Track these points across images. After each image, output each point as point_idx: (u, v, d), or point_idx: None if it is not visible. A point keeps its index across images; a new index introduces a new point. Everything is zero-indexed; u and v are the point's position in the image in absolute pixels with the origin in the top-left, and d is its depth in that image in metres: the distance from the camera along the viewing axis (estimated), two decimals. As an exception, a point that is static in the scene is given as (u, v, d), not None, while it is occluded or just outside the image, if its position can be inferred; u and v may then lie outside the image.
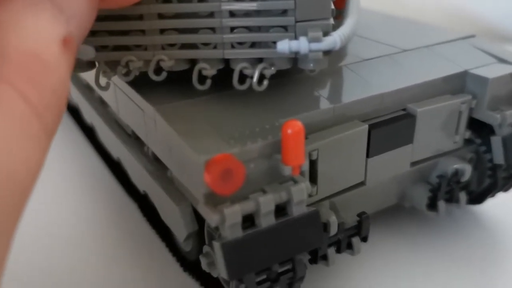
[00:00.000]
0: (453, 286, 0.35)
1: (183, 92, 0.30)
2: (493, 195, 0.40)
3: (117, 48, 0.27)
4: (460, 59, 0.37)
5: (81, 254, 0.39)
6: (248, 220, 0.26)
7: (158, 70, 0.28)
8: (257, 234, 0.26)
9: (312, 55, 0.26)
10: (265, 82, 0.27)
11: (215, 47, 0.27)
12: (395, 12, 0.50)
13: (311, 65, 0.27)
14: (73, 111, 0.61)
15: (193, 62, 0.28)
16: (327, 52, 0.26)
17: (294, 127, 0.25)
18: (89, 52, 0.26)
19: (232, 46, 0.27)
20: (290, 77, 0.33)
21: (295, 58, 0.27)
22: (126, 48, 0.27)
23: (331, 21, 0.26)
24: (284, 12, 0.26)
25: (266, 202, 0.26)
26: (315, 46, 0.25)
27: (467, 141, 0.37)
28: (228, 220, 0.25)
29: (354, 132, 0.31)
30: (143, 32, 0.27)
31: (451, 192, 0.36)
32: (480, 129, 0.36)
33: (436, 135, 0.35)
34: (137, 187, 0.37)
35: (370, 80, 0.33)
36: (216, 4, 0.26)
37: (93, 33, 0.27)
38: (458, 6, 0.89)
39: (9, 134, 0.16)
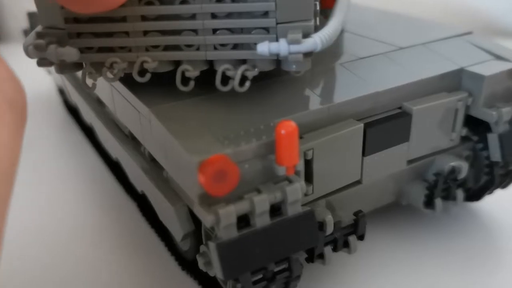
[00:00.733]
0: (451, 284, 0.35)
1: (178, 93, 0.30)
2: (490, 192, 0.40)
3: (102, 49, 0.28)
4: (456, 56, 0.37)
5: (80, 253, 0.40)
6: (243, 220, 0.26)
7: (142, 71, 0.28)
8: (252, 234, 0.26)
9: (292, 57, 0.25)
10: (247, 84, 0.27)
11: (198, 49, 0.27)
12: (392, 6, 0.50)
13: (294, 66, 0.26)
14: (73, 111, 0.61)
15: (177, 63, 0.28)
16: (308, 54, 0.26)
17: (287, 127, 0.25)
18: (73, 55, 0.26)
19: (215, 48, 0.27)
20: (284, 76, 0.33)
21: (278, 60, 0.27)
22: (110, 49, 0.28)
23: (312, 22, 0.26)
24: (265, 14, 0.26)
25: (261, 202, 0.26)
26: (294, 48, 0.25)
27: (464, 139, 0.37)
28: (223, 221, 0.25)
29: (349, 131, 0.31)
30: (127, 33, 0.27)
31: (448, 190, 0.36)
32: (476, 126, 0.36)
33: (432, 133, 0.35)
34: (135, 187, 0.37)
35: (365, 78, 0.33)
36: (197, 6, 0.26)
37: (78, 34, 0.27)
38: (456, 1, 0.88)
39: None
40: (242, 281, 0.27)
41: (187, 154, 0.25)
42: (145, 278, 0.37)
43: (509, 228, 0.40)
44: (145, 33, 0.27)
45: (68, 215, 0.45)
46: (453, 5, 0.88)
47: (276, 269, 0.28)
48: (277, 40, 0.26)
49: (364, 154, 0.32)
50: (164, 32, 0.27)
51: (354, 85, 0.32)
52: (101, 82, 0.36)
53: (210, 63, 0.28)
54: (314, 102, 0.31)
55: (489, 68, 0.35)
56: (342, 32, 0.42)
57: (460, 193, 0.37)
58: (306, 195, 0.30)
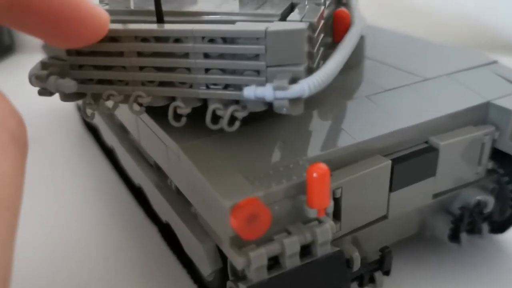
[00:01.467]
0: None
1: (206, 128, 0.30)
2: (515, 224, 0.39)
3: (102, 82, 0.28)
4: (482, 88, 0.36)
5: (99, 275, 0.40)
6: (273, 259, 0.26)
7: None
8: (282, 276, 0.26)
9: (279, 102, 0.25)
10: (237, 124, 0.27)
11: (191, 86, 0.27)
12: (415, 23, 0.50)
13: (284, 110, 0.25)
14: (92, 129, 0.62)
15: (172, 99, 0.28)
16: (296, 99, 0.25)
17: (319, 170, 0.25)
18: (71, 86, 0.27)
19: (207, 87, 0.27)
20: (312, 110, 0.33)
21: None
22: (110, 82, 0.28)
23: (303, 67, 0.25)
24: (256, 57, 0.26)
25: (291, 244, 0.26)
26: (280, 94, 0.25)
27: (489, 171, 0.37)
28: (254, 263, 0.25)
29: (377, 168, 0.30)
30: (124, 68, 0.28)
31: (473, 223, 0.36)
32: (502, 159, 0.36)
33: (458, 167, 0.34)
34: (159, 216, 0.37)
35: (392, 113, 0.33)
36: (190, 46, 0.26)
37: (80, 66, 0.28)
38: (478, 19, 0.88)
39: None
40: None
41: (219, 197, 0.25)
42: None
43: (533, 259, 0.40)
44: (141, 68, 0.28)
45: (86, 234, 0.45)
46: (475, 22, 0.88)
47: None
48: (266, 82, 0.26)
49: (391, 189, 0.32)
50: (159, 69, 0.28)
51: (381, 120, 0.32)
52: (126, 110, 0.36)
53: (204, 101, 0.28)
54: (342, 138, 0.31)
55: (516, 101, 0.35)
56: (364, 59, 0.42)
57: (485, 227, 0.37)
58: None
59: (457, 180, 0.35)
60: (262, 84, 0.26)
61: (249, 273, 0.26)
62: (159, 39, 0.27)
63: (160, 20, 0.28)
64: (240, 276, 0.29)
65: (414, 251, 0.40)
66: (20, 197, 0.19)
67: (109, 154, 0.56)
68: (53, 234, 0.45)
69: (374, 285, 0.33)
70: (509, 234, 0.42)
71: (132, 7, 0.31)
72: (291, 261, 0.26)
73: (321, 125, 0.32)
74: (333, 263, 0.28)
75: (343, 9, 0.34)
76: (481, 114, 0.35)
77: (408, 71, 0.39)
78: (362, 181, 0.30)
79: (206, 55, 0.27)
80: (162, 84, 0.28)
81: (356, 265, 0.30)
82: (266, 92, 0.25)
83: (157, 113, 0.32)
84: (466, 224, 0.36)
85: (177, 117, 0.28)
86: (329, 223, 0.27)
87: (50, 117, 0.70)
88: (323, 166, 0.25)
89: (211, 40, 0.26)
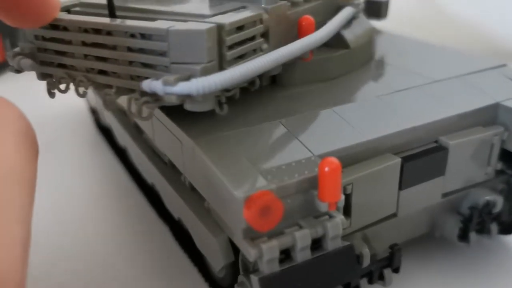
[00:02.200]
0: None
1: (221, 124, 0.31)
2: (524, 225, 0.40)
3: (60, 65, 0.32)
4: (491, 90, 0.37)
5: (112, 273, 0.40)
6: (283, 253, 0.27)
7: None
8: (294, 269, 0.27)
9: (168, 97, 0.26)
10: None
11: (119, 77, 0.29)
12: (428, 30, 0.51)
13: (189, 106, 0.27)
14: (104, 131, 0.63)
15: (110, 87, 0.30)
16: (187, 96, 0.26)
17: (331, 164, 0.26)
18: (28, 66, 0.32)
19: (131, 78, 0.29)
20: (323, 108, 0.33)
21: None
22: (64, 66, 0.31)
23: (200, 67, 0.26)
24: (164, 53, 0.27)
25: (303, 237, 0.26)
26: (168, 89, 0.26)
27: (499, 172, 0.37)
28: (266, 255, 0.26)
29: (387, 166, 0.31)
30: (73, 55, 0.31)
31: (482, 223, 0.36)
32: (511, 160, 0.36)
33: (467, 167, 0.35)
34: (171, 213, 0.38)
35: (402, 112, 0.34)
36: (116, 39, 0.28)
37: (45, 50, 0.32)
38: (490, 31, 0.88)
39: None
40: (282, 314, 0.27)
41: (232, 189, 0.25)
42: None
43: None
44: (85, 56, 0.30)
45: (98, 234, 0.45)
46: (482, 33, 0.88)
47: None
48: None
49: (400, 188, 0.32)
50: (97, 58, 0.30)
51: (391, 119, 0.33)
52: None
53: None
54: (353, 136, 0.31)
55: (525, 102, 0.35)
56: (372, 60, 0.43)
57: (494, 227, 0.37)
58: (343, 228, 0.30)
59: (466, 180, 0.36)
60: None
61: (261, 265, 0.26)
62: (96, 31, 0.29)
63: (112, 14, 0.30)
64: (251, 270, 0.29)
65: (423, 250, 0.41)
66: (34, 187, 0.20)
67: (122, 155, 0.57)
68: (66, 234, 0.46)
69: (383, 282, 0.33)
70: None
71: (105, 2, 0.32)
72: (302, 254, 0.27)
73: (332, 123, 0.32)
74: (344, 257, 0.28)
75: (307, 16, 0.34)
76: (490, 115, 0.36)
77: (418, 73, 0.39)
78: (373, 178, 0.31)
79: (129, 49, 0.28)
80: (100, 72, 0.30)
81: (366, 261, 0.31)
82: (157, 86, 0.26)
83: (172, 111, 0.33)
84: (475, 224, 0.36)
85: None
86: (340, 218, 0.28)
87: (63, 119, 0.71)
88: (334, 161, 0.26)
89: (132, 35, 0.28)
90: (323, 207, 0.27)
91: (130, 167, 0.53)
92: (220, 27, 0.27)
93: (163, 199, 0.39)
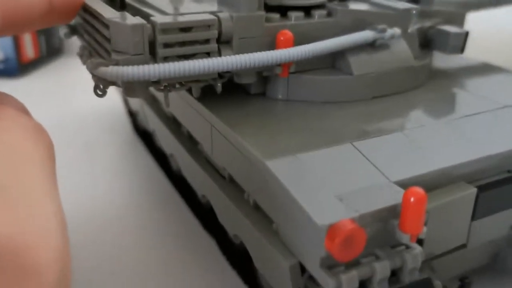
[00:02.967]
0: None
1: (295, 141, 0.30)
2: None
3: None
4: None
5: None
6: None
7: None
8: (371, 301, 0.26)
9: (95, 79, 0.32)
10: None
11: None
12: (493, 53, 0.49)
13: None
14: (143, 135, 0.62)
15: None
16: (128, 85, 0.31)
17: (417, 195, 0.25)
18: (65, 33, 0.40)
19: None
20: (394, 131, 0.32)
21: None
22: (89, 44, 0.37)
23: (122, 56, 0.30)
24: (109, 40, 0.31)
25: (383, 269, 0.25)
26: (95, 72, 0.31)
27: None
28: (344, 286, 0.25)
29: (463, 196, 0.30)
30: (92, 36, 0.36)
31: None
32: None
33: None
34: (226, 229, 0.37)
35: (475, 138, 0.32)
36: (98, 24, 0.33)
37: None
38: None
39: None
40: None
41: (313, 217, 0.24)
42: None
43: None
44: (89, 35, 0.36)
45: (134, 243, 0.45)
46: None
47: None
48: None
49: (473, 218, 0.31)
50: (96, 41, 0.35)
51: (464, 146, 0.32)
52: (196, 118, 0.37)
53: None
54: (428, 162, 0.30)
55: None
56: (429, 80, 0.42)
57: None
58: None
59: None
60: None
61: (339, 296, 0.25)
62: (93, 16, 0.33)
63: (122, 7, 0.32)
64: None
65: (482, 282, 0.39)
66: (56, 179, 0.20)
67: (161, 159, 0.57)
68: (104, 242, 0.45)
69: (453, 315, 0.32)
70: None
71: None
72: (380, 286, 0.26)
73: (404, 147, 0.31)
74: (420, 290, 0.27)
75: (286, 31, 0.34)
76: None
77: (486, 97, 0.38)
78: (448, 208, 0.29)
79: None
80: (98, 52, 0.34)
81: (438, 294, 0.30)
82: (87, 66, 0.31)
83: (236, 127, 0.33)
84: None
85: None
86: (419, 249, 0.26)
87: (100, 121, 0.71)
88: (420, 191, 0.25)
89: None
90: (404, 238, 0.26)
91: (171, 174, 0.52)
92: (153, 25, 0.30)
93: (218, 213, 0.38)
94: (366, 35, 0.37)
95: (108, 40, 0.31)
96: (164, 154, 0.55)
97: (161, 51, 0.31)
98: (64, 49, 1.02)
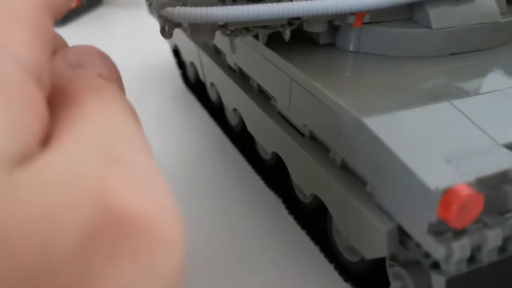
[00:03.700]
0: None
1: (384, 98, 0.29)
2: None
3: None
4: None
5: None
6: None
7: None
8: (480, 271, 0.24)
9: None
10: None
11: None
12: None
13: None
14: (193, 88, 0.60)
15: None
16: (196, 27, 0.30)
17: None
18: None
19: None
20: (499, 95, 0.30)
21: None
22: None
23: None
24: None
25: (494, 237, 0.24)
26: (160, 11, 0.30)
27: None
28: (456, 254, 0.23)
29: None
30: None
31: None
32: None
33: None
34: (304, 190, 0.35)
35: None
36: None
37: None
38: None
39: None
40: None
41: (427, 182, 0.23)
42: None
43: None
44: None
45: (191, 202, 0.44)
46: None
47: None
48: None
49: None
50: None
51: None
52: (270, 71, 0.35)
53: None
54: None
55: None
56: None
57: None
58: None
59: None
60: None
61: (448, 264, 0.24)
62: None
63: None
64: (402, 262, 0.27)
65: None
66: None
67: (216, 115, 0.55)
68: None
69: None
70: None
71: None
72: (489, 255, 0.24)
73: (507, 107, 0.29)
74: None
75: None
76: None
77: None
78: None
79: None
80: None
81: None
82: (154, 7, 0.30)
83: (320, 80, 0.31)
84: None
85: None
86: (531, 217, 0.25)
87: (146, 72, 0.69)
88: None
89: None
90: (518, 204, 0.24)
91: (226, 126, 0.51)
92: None
93: (292, 172, 0.36)
94: None
95: None
96: (219, 109, 0.54)
97: None
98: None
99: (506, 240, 0.25)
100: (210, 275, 0.36)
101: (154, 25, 0.61)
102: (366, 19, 0.34)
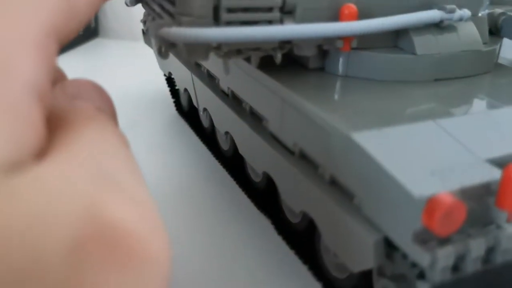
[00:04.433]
0: None
1: (372, 116, 0.30)
2: None
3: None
4: None
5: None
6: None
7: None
8: (464, 279, 0.25)
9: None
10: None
11: None
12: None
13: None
14: (186, 116, 0.61)
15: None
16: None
17: (518, 171, 0.24)
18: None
19: None
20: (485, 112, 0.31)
21: None
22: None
23: (188, 19, 0.30)
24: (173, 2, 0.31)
25: (477, 246, 0.25)
26: (157, 32, 0.31)
27: None
28: (440, 262, 0.24)
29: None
30: None
31: None
32: None
33: None
34: (292, 207, 0.36)
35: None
36: None
37: None
38: None
39: None
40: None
41: (411, 191, 0.24)
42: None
43: None
44: None
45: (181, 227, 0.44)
46: None
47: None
48: None
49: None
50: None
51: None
52: (262, 93, 0.36)
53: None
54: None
55: None
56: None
57: None
58: None
59: None
60: None
61: (432, 272, 0.24)
62: None
63: None
64: (388, 275, 0.28)
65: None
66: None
67: (208, 140, 0.56)
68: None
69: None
70: None
71: None
72: (473, 265, 0.25)
73: (488, 127, 0.30)
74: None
75: (351, 4, 0.34)
76: None
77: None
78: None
79: None
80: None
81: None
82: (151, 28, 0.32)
83: (311, 97, 0.32)
84: None
85: None
86: (512, 229, 0.26)
87: (140, 99, 0.71)
88: (522, 167, 0.24)
89: None
90: (500, 216, 0.25)
91: (218, 152, 0.52)
92: None
93: (282, 191, 0.37)
94: (433, 14, 0.36)
95: (173, 2, 0.30)
96: (211, 135, 0.55)
97: (224, 16, 0.31)
98: (99, 30, 1.02)
99: (489, 251, 0.26)
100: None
101: (149, 55, 0.63)
102: (354, 44, 0.35)
